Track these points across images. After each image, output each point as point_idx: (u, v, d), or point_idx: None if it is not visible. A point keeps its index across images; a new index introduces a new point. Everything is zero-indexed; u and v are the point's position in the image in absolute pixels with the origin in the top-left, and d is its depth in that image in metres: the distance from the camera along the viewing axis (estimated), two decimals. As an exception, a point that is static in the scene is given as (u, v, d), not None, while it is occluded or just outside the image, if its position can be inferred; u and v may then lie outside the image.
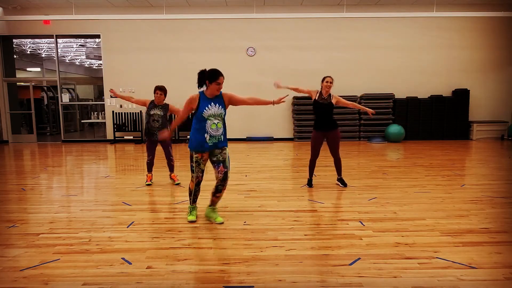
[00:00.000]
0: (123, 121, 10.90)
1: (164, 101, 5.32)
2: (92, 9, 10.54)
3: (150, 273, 2.69)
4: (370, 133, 10.70)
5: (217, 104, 3.58)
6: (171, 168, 5.57)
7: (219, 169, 3.64)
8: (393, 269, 2.71)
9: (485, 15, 9.90)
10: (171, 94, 11.08)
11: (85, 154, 8.84)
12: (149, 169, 5.53)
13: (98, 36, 11.03)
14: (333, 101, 4.95)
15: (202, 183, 3.79)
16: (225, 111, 3.65)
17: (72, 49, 15.87)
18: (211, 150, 3.63)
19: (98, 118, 12.15)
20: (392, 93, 10.72)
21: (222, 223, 3.71)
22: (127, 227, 3.65)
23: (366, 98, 10.50)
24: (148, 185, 5.45)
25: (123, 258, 2.93)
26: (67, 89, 14.81)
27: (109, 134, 11.14)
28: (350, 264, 2.80)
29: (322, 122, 4.98)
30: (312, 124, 5.17)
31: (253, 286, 2.51)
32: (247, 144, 10.14)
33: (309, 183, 5.26)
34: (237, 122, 10.65)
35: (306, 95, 5.11)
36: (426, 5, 10.38)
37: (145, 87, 10.94)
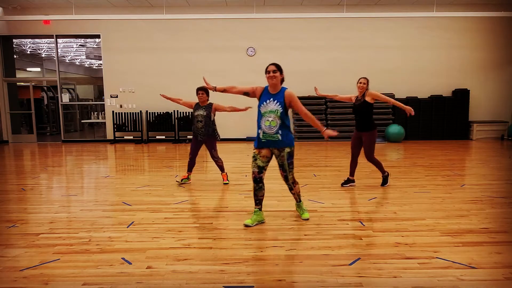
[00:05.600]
0: (123, 121, 10.90)
1: (208, 101, 5.27)
2: (92, 9, 10.55)
3: (150, 273, 2.69)
4: (370, 133, 10.68)
5: (275, 100, 3.52)
6: (220, 168, 5.55)
7: (280, 172, 3.79)
8: (393, 269, 2.71)
9: (485, 15, 9.90)
10: (170, 93, 11.18)
11: (85, 154, 8.84)
12: (189, 168, 5.47)
13: (98, 36, 11.03)
14: (367, 98, 4.87)
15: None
16: (282, 109, 3.51)
17: (72, 49, 15.88)
18: (270, 149, 3.70)
19: (98, 118, 12.15)
20: (392, 93, 10.69)
21: (307, 219, 3.79)
22: (127, 227, 3.65)
23: (366, 98, 10.50)
24: (177, 182, 5.47)
25: (123, 258, 2.93)
26: (67, 89, 14.80)
27: (109, 134, 11.14)
28: (350, 264, 2.80)
29: (356, 123, 5.07)
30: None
31: (253, 286, 2.51)
32: (247, 144, 10.14)
33: (345, 182, 5.25)
34: (237, 122, 10.65)
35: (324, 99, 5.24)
36: (426, 5, 10.37)
37: (145, 87, 10.97)
